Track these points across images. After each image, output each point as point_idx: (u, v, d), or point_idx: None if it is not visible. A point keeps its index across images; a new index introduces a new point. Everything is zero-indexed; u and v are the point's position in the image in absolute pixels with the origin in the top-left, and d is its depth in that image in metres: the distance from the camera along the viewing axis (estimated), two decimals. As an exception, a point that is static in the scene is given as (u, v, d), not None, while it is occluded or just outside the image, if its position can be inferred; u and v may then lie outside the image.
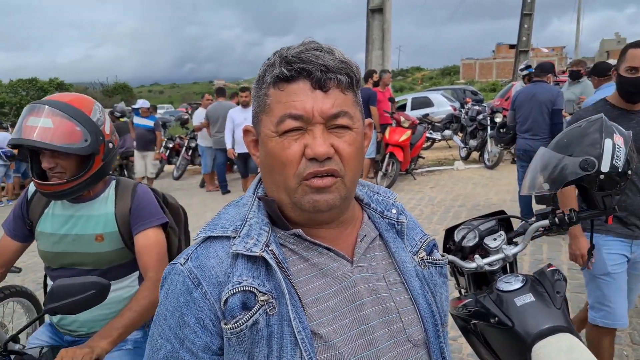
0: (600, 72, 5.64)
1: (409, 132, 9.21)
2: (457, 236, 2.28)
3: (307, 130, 0.91)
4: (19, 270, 3.59)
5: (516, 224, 2.32)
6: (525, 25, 19.86)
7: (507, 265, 2.28)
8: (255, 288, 0.90)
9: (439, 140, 13.98)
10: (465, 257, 2.24)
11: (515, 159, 7.31)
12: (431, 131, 13.16)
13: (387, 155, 9.18)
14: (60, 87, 48.24)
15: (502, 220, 2.32)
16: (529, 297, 1.92)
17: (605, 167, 1.85)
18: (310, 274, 0.96)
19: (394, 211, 1.11)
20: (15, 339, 3.56)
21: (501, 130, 9.00)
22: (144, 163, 10.36)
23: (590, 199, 1.99)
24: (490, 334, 2.05)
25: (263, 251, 0.92)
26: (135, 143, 10.44)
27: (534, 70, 10.18)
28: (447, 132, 13.25)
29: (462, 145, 11.98)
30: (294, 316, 0.90)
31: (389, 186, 9.15)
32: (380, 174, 9.38)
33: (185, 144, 12.84)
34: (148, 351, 0.98)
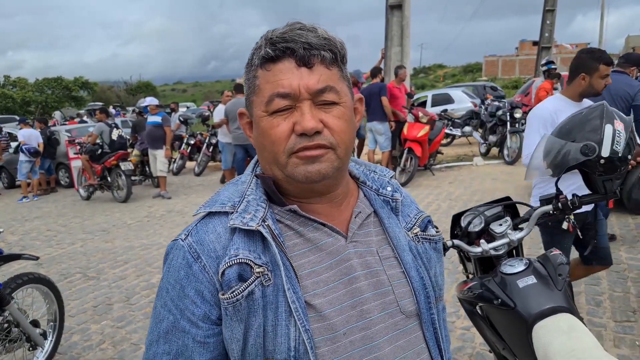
0: None
1: (427, 127, 9.22)
2: (463, 222, 2.32)
3: (295, 107, 0.94)
4: (37, 258, 3.72)
5: (522, 211, 2.36)
6: (548, 22, 19.58)
7: (514, 251, 2.32)
8: (251, 260, 0.94)
9: (459, 137, 13.93)
10: (472, 243, 2.28)
11: None
12: (451, 127, 13.13)
13: (405, 151, 9.21)
14: (85, 85, 49.17)
15: (508, 207, 2.36)
16: (531, 279, 1.96)
17: (605, 152, 1.88)
18: (305, 248, 1.00)
19: (389, 189, 1.15)
20: (36, 323, 3.73)
21: None
22: (155, 162, 10.40)
23: (592, 184, 2.02)
24: (494, 316, 2.10)
25: (259, 225, 0.96)
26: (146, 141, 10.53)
27: (552, 67, 10.15)
28: (467, 129, 13.19)
29: (482, 141, 11.94)
30: (288, 287, 0.94)
31: (407, 181, 9.18)
32: (398, 169, 9.41)
33: (206, 141, 13.02)
34: (152, 323, 1.02)
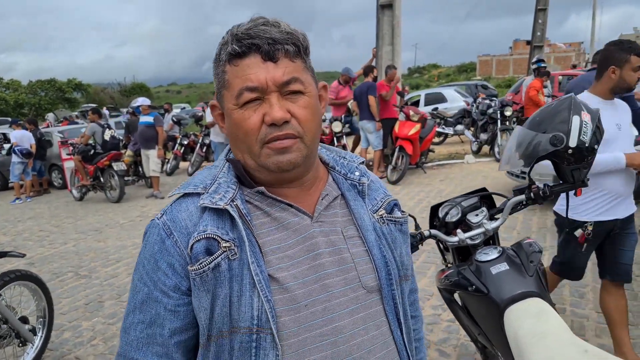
0: None
1: (418, 125, 9.29)
2: (441, 212, 2.39)
3: (264, 99, 1.01)
4: (23, 255, 3.75)
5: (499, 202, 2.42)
6: (540, 21, 19.66)
7: (491, 240, 2.38)
8: (218, 236, 1.02)
9: (452, 135, 14.02)
10: (449, 233, 2.34)
11: None
12: (443, 126, 13.23)
13: (397, 149, 9.28)
14: (78, 87, 49.01)
15: (484, 198, 2.42)
16: (503, 266, 2.02)
17: (573, 142, 1.95)
18: (272, 227, 1.07)
19: (357, 173, 1.22)
20: (25, 319, 3.76)
21: None
22: (148, 162, 10.44)
23: (561, 174, 2.09)
24: (470, 302, 2.16)
25: (227, 205, 1.04)
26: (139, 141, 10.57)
27: (542, 65, 10.25)
28: (459, 127, 13.27)
29: (473, 139, 12.02)
30: (253, 261, 1.01)
31: (398, 179, 9.25)
32: (390, 167, 9.48)
33: (200, 141, 13.06)
34: (129, 295, 1.11)
